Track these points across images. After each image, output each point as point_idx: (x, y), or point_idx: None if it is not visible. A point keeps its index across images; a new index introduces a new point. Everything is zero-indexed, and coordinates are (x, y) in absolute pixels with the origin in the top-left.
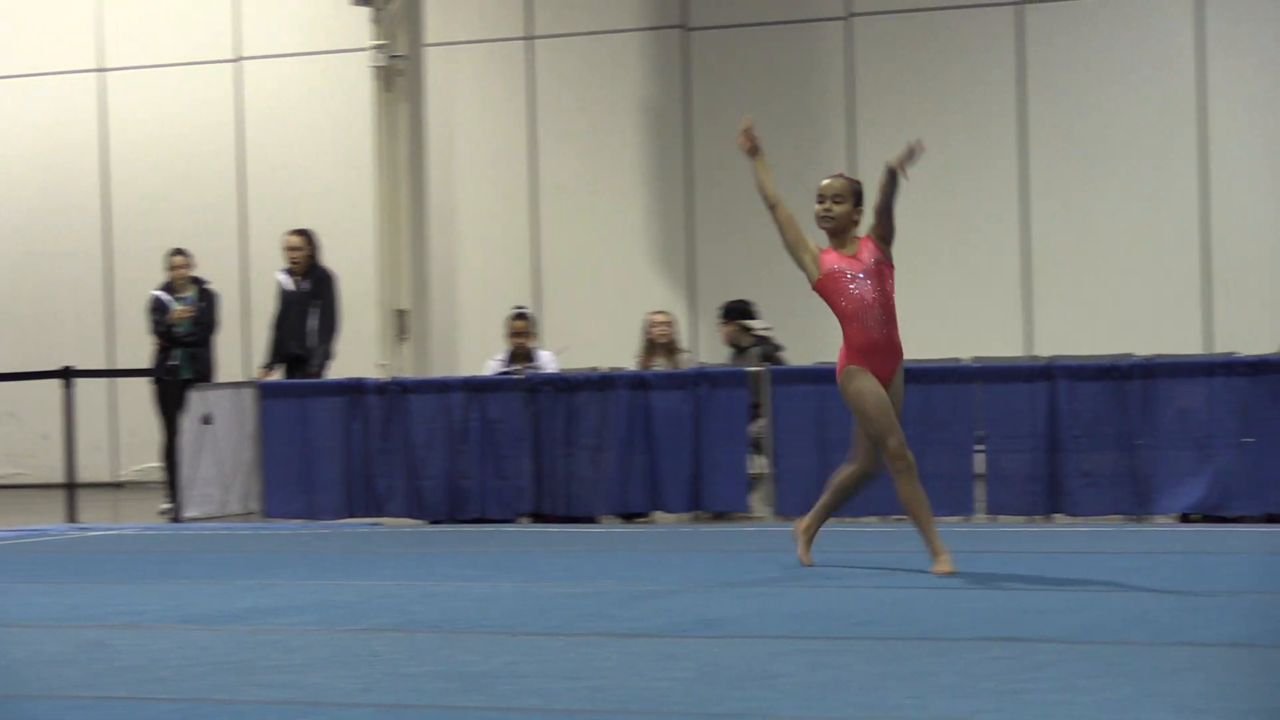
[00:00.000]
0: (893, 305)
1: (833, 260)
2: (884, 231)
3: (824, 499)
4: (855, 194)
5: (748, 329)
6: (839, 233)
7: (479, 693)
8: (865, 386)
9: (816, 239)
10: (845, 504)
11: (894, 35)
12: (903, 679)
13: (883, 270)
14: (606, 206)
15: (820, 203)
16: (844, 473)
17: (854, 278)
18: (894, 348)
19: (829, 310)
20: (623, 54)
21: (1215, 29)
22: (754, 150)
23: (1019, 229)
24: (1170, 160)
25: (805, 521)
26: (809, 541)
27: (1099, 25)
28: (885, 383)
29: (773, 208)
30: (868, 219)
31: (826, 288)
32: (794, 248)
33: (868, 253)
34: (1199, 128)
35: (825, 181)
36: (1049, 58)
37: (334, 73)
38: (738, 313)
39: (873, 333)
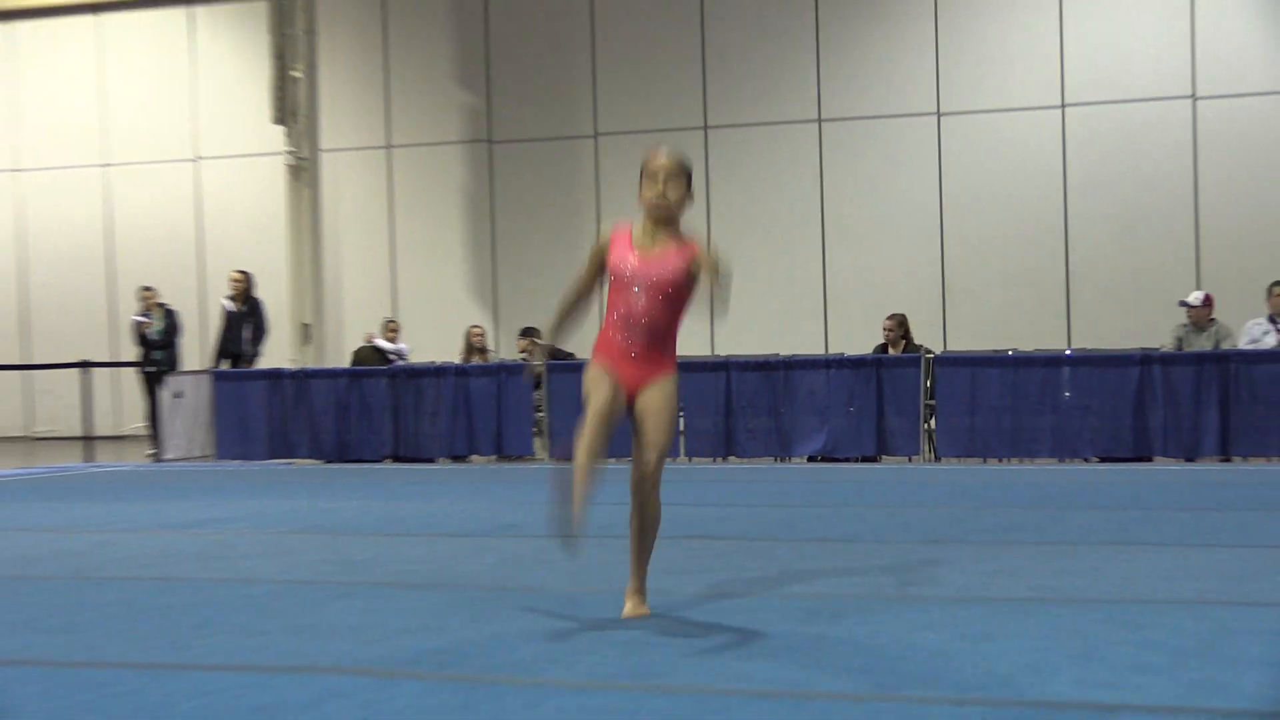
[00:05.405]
0: (665, 326)
1: (623, 257)
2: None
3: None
4: (689, 176)
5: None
6: (665, 223)
7: (359, 572)
8: (590, 389)
9: (625, 217)
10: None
11: (630, 149)
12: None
13: (679, 294)
14: (440, 259)
15: (653, 184)
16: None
17: (633, 285)
18: (649, 362)
19: (596, 318)
20: (450, 158)
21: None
22: (541, 353)
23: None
24: (800, 233)
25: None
26: None
27: (761, 149)
28: (633, 392)
29: (569, 304)
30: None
31: (609, 276)
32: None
33: (671, 267)
34: (820, 213)
35: (661, 160)
36: (728, 169)
37: (261, 169)
38: (533, 334)
39: (625, 343)
